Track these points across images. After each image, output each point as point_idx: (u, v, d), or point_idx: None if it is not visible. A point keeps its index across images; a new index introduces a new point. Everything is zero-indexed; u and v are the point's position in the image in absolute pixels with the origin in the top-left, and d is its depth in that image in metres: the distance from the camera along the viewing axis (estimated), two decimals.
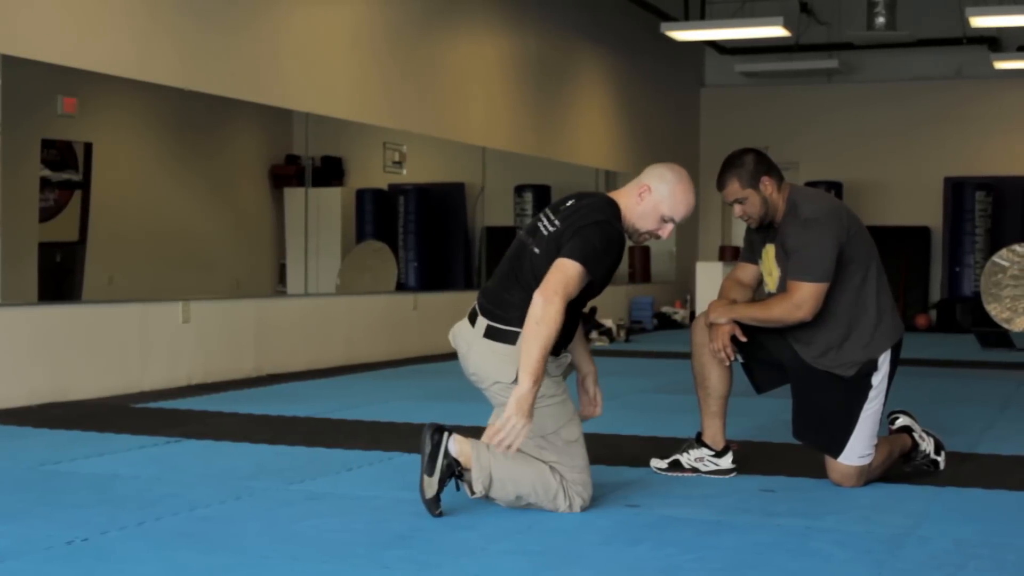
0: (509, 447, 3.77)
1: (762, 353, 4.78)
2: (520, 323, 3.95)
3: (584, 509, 4.11)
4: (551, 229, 4.08)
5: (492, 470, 4.00)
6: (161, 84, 8.18)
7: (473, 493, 4.02)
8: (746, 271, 4.93)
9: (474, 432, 4.24)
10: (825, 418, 4.61)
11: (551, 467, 4.09)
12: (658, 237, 4.24)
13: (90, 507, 4.20)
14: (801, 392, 4.71)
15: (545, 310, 3.84)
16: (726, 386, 4.82)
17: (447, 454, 3.96)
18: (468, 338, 4.14)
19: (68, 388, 7.32)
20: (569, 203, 4.14)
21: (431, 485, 3.96)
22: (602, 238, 3.99)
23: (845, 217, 4.62)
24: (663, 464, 4.90)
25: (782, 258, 4.63)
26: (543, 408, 4.00)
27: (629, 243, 4.22)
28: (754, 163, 4.64)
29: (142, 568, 3.40)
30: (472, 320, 4.16)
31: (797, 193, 4.68)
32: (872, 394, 4.59)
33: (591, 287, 4.06)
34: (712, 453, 4.84)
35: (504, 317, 4.07)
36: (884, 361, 4.62)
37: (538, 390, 3.83)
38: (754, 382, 4.93)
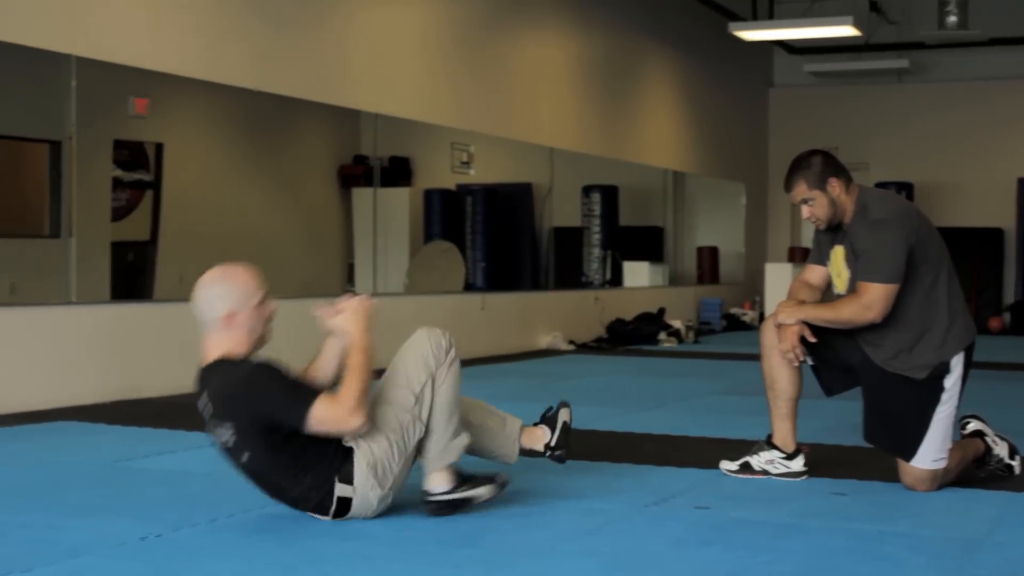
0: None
1: (832, 355, 4.74)
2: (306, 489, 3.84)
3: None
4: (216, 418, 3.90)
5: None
6: (231, 85, 8.25)
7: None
8: (815, 273, 4.89)
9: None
10: (897, 421, 4.56)
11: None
12: (274, 311, 4.04)
13: (163, 503, 4.24)
14: (872, 395, 4.66)
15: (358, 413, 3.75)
16: (796, 388, 4.78)
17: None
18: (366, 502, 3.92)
19: (141, 385, 7.40)
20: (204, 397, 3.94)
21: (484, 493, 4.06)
22: (273, 385, 3.78)
23: (915, 218, 4.57)
24: (733, 466, 4.87)
25: (851, 260, 4.59)
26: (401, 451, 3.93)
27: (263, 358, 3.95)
28: (822, 164, 4.60)
29: (215, 564, 3.42)
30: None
31: (867, 194, 4.63)
32: (944, 397, 4.52)
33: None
34: (783, 456, 4.80)
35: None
36: (957, 364, 4.56)
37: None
38: (823, 384, 4.88)
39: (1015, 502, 4.44)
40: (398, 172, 10.57)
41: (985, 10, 15.28)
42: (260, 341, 3.96)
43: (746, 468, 4.84)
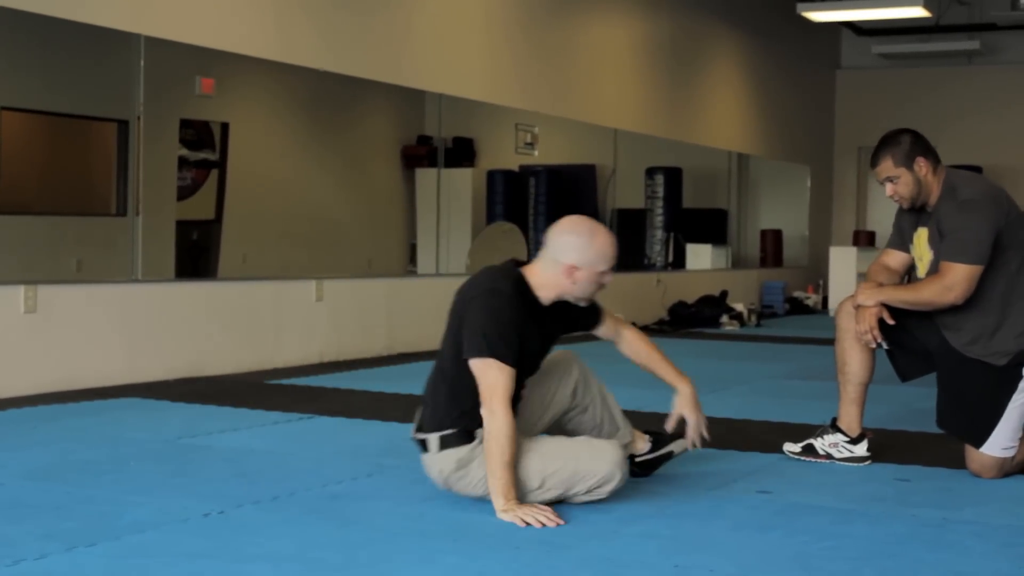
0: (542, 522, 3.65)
1: (908, 339, 4.68)
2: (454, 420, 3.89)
3: (615, 478, 3.88)
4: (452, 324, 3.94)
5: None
6: (296, 65, 8.29)
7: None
8: (894, 257, 4.83)
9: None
10: (971, 407, 4.50)
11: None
12: (605, 286, 4.05)
13: (225, 481, 4.27)
14: (948, 379, 4.60)
15: (492, 423, 3.72)
16: (867, 373, 4.73)
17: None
18: (431, 466, 3.97)
19: (204, 364, 7.46)
20: (457, 296, 3.98)
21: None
22: (486, 319, 3.79)
23: (1005, 201, 4.53)
24: (797, 448, 4.83)
25: (936, 241, 4.53)
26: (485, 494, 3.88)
27: (584, 303, 4.05)
28: (911, 143, 4.55)
29: (276, 542, 3.44)
30: (425, 448, 3.98)
31: (955, 176, 4.57)
32: (1022, 386, 4.47)
33: (523, 352, 3.86)
34: (847, 440, 4.76)
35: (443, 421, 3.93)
36: None
37: (506, 502, 3.70)
38: (898, 369, 4.82)
39: None
40: (462, 153, 10.56)
41: None
42: (572, 299, 4.03)
43: (809, 451, 4.80)
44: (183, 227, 7.92)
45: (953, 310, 4.48)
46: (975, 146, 16.94)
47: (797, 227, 16.93)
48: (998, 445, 4.46)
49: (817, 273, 16.48)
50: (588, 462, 3.85)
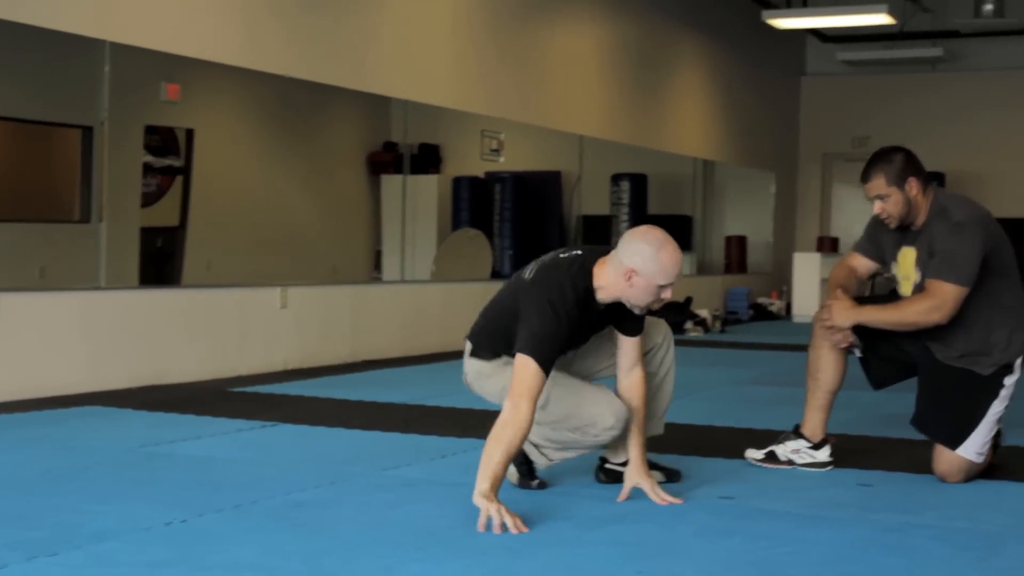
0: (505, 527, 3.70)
1: (888, 348, 4.71)
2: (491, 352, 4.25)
3: (614, 429, 4.11)
4: (520, 293, 4.09)
5: (535, 443, 4.26)
6: (262, 71, 8.27)
7: (543, 467, 4.34)
8: (861, 262, 4.86)
9: None
10: (953, 409, 4.56)
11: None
12: (663, 302, 4.20)
13: (188, 489, 4.26)
14: (931, 384, 4.65)
15: (513, 415, 3.83)
16: (838, 381, 4.77)
17: None
18: (464, 365, 4.39)
19: (167, 371, 7.44)
20: (531, 274, 4.10)
21: (511, 475, 4.29)
22: (541, 323, 3.93)
23: (992, 224, 4.58)
24: (759, 454, 4.86)
25: (924, 262, 4.56)
26: (501, 401, 4.08)
27: (637, 312, 4.13)
28: (903, 162, 4.57)
29: (239, 550, 3.43)
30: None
31: (945, 197, 4.61)
32: (1003, 394, 4.56)
33: (568, 346, 4.11)
34: (809, 445, 4.78)
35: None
36: (1020, 366, 4.59)
37: (488, 491, 3.75)
38: (872, 376, 4.86)
39: None
40: (427, 159, 10.56)
41: None
42: (627, 303, 4.10)
43: (771, 457, 4.83)
44: (147, 234, 7.89)
45: (941, 328, 4.52)
46: (939, 152, 17.02)
47: (761, 233, 17.01)
48: (973, 449, 4.52)
49: (781, 279, 16.55)
50: (590, 406, 4.13)
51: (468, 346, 4.34)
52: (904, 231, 4.66)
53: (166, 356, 7.45)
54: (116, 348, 7.15)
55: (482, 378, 4.32)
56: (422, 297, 9.88)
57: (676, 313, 12.60)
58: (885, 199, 4.57)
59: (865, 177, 4.61)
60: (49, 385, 6.73)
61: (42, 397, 6.61)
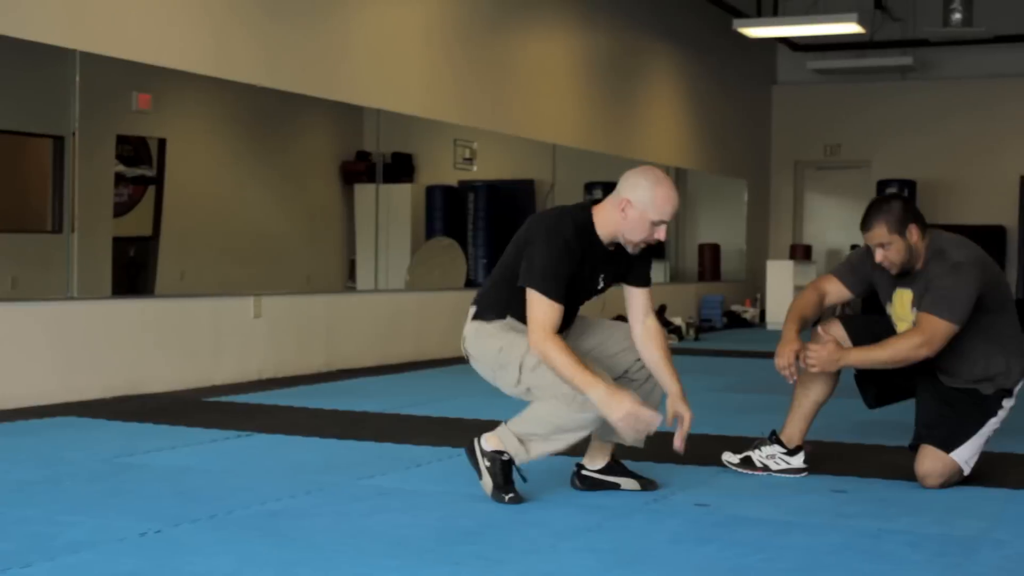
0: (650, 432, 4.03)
1: (893, 372, 4.74)
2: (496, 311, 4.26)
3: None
4: (520, 242, 4.23)
5: (516, 434, 4.19)
6: (234, 80, 8.25)
7: (524, 462, 4.25)
8: (835, 288, 4.89)
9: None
10: (951, 417, 4.62)
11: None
12: (657, 241, 4.23)
13: (163, 499, 4.24)
14: (933, 400, 4.70)
15: (544, 353, 4.02)
16: (826, 396, 4.83)
17: (484, 453, 4.22)
18: (465, 332, 4.36)
19: (141, 381, 7.41)
20: (527, 222, 4.25)
21: (486, 485, 4.22)
22: (545, 251, 4.07)
23: (990, 265, 4.67)
24: (735, 459, 4.88)
25: (920, 303, 4.61)
26: (496, 364, 4.22)
27: (631, 250, 4.23)
28: (902, 210, 4.62)
29: (213, 560, 3.42)
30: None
31: (942, 239, 4.67)
32: (1000, 414, 4.67)
33: (573, 284, 4.15)
34: (784, 451, 4.80)
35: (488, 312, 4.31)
36: (1017, 391, 4.72)
37: (605, 388, 3.92)
38: (870, 397, 4.91)
39: (1015, 499, 4.45)
40: (400, 168, 10.56)
41: (990, 7, 15.24)
42: (622, 239, 4.20)
43: (747, 463, 4.85)
44: (120, 244, 7.86)
45: (945, 360, 4.60)
46: (909, 160, 17.16)
47: (735, 241, 17.06)
48: (963, 457, 4.58)
49: (755, 287, 16.60)
50: (568, 412, 4.09)
51: (471, 310, 4.32)
52: (903, 275, 4.70)
53: (140, 366, 7.42)
54: (89, 358, 7.12)
55: (482, 337, 4.27)
56: (396, 306, 9.87)
57: None
58: (887, 247, 4.61)
59: (866, 226, 4.65)
60: (21, 395, 6.69)
61: (14, 408, 6.57)
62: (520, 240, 4.20)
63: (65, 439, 5.68)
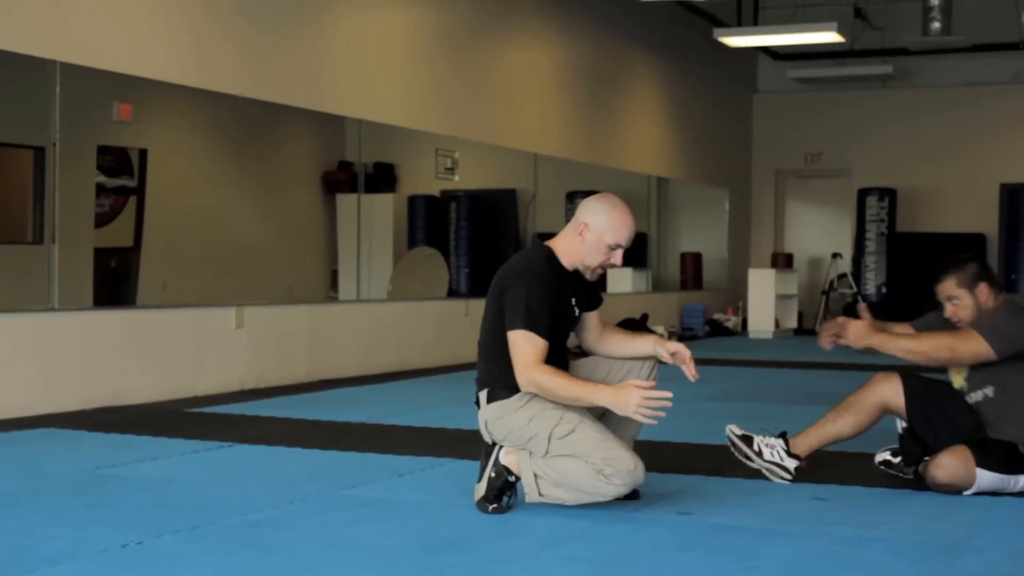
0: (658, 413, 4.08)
1: (940, 419, 4.74)
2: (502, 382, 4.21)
3: (627, 484, 4.09)
4: (495, 295, 4.27)
5: (535, 472, 4.16)
6: (215, 91, 8.25)
7: (530, 499, 4.21)
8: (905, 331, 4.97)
9: None
10: (995, 451, 4.59)
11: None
12: (612, 266, 4.30)
13: (144, 511, 4.23)
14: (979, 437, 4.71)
15: (537, 384, 4.06)
16: (852, 433, 4.88)
17: (496, 463, 4.22)
18: (480, 418, 4.30)
19: (123, 392, 7.39)
20: (495, 280, 4.30)
21: (479, 490, 4.22)
22: (523, 293, 4.11)
23: None
24: (739, 432, 4.94)
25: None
26: (525, 436, 4.16)
27: (589, 276, 4.32)
28: (976, 269, 4.74)
29: (195, 572, 3.42)
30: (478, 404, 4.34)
31: (1014, 302, 4.71)
32: None
33: (556, 321, 4.18)
34: (785, 449, 4.85)
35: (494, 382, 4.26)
36: None
37: (609, 389, 4.03)
38: (907, 454, 4.89)
39: (995, 506, 4.46)
40: (382, 178, 10.56)
41: (969, 16, 15.33)
42: (581, 266, 4.30)
43: (747, 441, 4.88)
44: (101, 254, 7.84)
45: (999, 418, 4.61)
46: (890, 169, 17.23)
47: (716, 250, 17.10)
48: (982, 478, 4.55)
49: (736, 295, 16.64)
50: (616, 445, 4.12)
51: (483, 395, 4.26)
52: None
53: (121, 377, 7.40)
54: (70, 369, 7.10)
55: (507, 414, 4.19)
56: (379, 316, 9.87)
57: (633, 330, 12.64)
58: (955, 301, 4.70)
59: (938, 279, 4.75)
60: (2, 407, 6.67)
61: None
62: (495, 292, 4.24)
63: (46, 450, 5.66)
